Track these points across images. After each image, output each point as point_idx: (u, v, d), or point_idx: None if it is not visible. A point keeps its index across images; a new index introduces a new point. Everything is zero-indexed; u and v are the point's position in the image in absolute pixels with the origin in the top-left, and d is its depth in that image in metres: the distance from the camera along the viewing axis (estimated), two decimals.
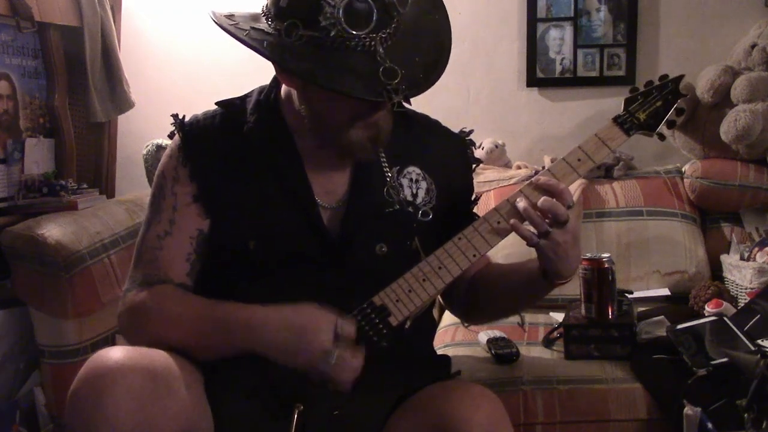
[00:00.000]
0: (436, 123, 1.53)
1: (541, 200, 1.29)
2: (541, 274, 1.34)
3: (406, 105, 1.19)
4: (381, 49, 1.19)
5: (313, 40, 1.19)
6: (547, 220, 1.29)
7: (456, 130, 1.54)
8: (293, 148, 1.37)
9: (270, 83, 1.41)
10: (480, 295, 1.49)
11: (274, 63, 1.26)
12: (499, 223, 1.32)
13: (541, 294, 1.43)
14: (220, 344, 1.25)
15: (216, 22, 1.26)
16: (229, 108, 1.41)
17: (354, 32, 1.18)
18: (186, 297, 1.32)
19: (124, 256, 2.11)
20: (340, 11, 1.17)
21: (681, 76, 1.43)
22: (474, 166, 1.55)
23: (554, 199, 1.28)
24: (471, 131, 1.53)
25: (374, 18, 1.18)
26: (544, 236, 1.28)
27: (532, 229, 1.29)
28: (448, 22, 1.32)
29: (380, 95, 1.16)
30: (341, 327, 1.23)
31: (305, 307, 1.25)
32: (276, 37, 1.22)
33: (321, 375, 1.23)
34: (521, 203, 1.30)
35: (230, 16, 1.28)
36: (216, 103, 1.43)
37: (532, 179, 1.33)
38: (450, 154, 1.49)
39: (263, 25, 1.25)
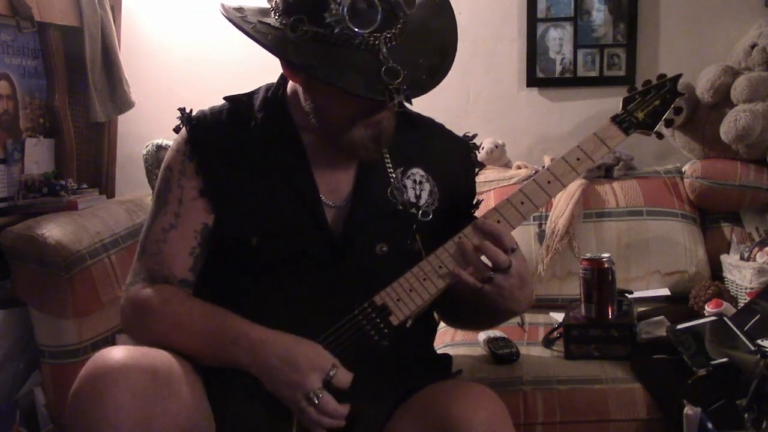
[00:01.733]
0: (441, 126, 1.53)
1: (481, 245, 1.27)
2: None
3: (408, 105, 1.19)
4: (384, 49, 1.19)
5: (318, 36, 1.19)
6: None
7: (455, 129, 1.54)
8: (300, 145, 1.37)
9: (277, 81, 1.42)
10: (452, 302, 1.48)
11: (277, 56, 1.26)
12: (499, 222, 1.32)
13: (498, 321, 1.49)
14: (220, 355, 1.25)
15: (224, 15, 1.27)
16: (237, 103, 1.41)
17: (358, 30, 1.18)
18: (189, 301, 1.32)
19: (124, 256, 2.11)
20: (345, 9, 1.17)
21: (679, 75, 1.43)
22: (477, 170, 1.55)
23: (494, 246, 1.26)
24: (475, 135, 1.54)
25: (379, 17, 1.19)
26: (487, 281, 1.27)
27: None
28: (455, 26, 1.32)
29: (381, 94, 1.17)
30: (335, 376, 1.21)
31: (307, 344, 1.23)
32: (281, 32, 1.22)
33: (300, 411, 1.20)
34: (463, 246, 1.28)
35: (239, 10, 1.28)
36: (224, 98, 1.43)
37: (476, 221, 1.31)
38: (454, 157, 1.50)
39: (271, 20, 1.25)
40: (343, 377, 1.22)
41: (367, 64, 1.18)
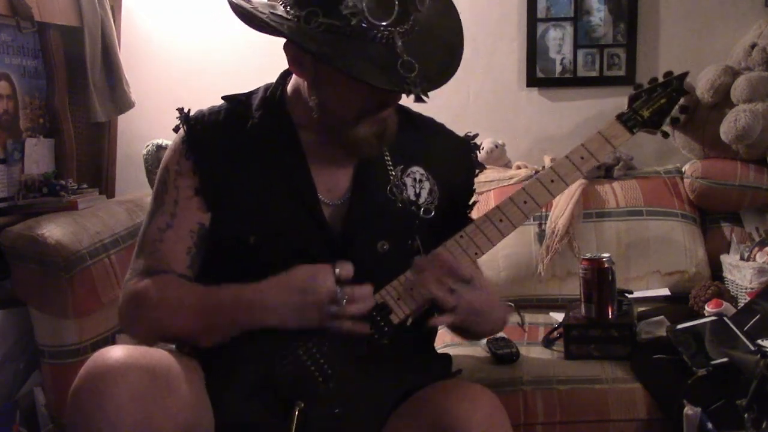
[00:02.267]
0: (442, 126, 1.53)
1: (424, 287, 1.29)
2: None
3: (424, 98, 1.19)
4: (400, 42, 1.19)
5: (332, 28, 1.19)
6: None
7: (455, 129, 1.54)
8: (298, 144, 1.37)
9: (276, 80, 1.42)
10: None
11: (293, 45, 1.26)
12: (501, 221, 1.32)
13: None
14: (225, 325, 1.26)
15: (237, 4, 1.26)
16: (235, 103, 1.42)
17: (375, 22, 1.18)
18: (187, 283, 1.33)
19: (124, 256, 2.11)
20: (364, 2, 1.17)
21: (685, 74, 1.43)
22: (477, 170, 1.55)
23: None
24: (476, 135, 1.54)
25: (395, 11, 1.19)
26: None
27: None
28: (461, 27, 1.32)
29: (398, 86, 1.17)
30: (338, 270, 1.24)
31: (297, 268, 1.26)
32: (295, 23, 1.22)
33: (336, 322, 1.23)
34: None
35: (248, 2, 1.28)
36: (222, 98, 1.43)
37: (417, 259, 1.32)
38: (454, 157, 1.50)
39: (281, 11, 1.25)
40: (346, 266, 1.25)
41: (381, 57, 1.18)
